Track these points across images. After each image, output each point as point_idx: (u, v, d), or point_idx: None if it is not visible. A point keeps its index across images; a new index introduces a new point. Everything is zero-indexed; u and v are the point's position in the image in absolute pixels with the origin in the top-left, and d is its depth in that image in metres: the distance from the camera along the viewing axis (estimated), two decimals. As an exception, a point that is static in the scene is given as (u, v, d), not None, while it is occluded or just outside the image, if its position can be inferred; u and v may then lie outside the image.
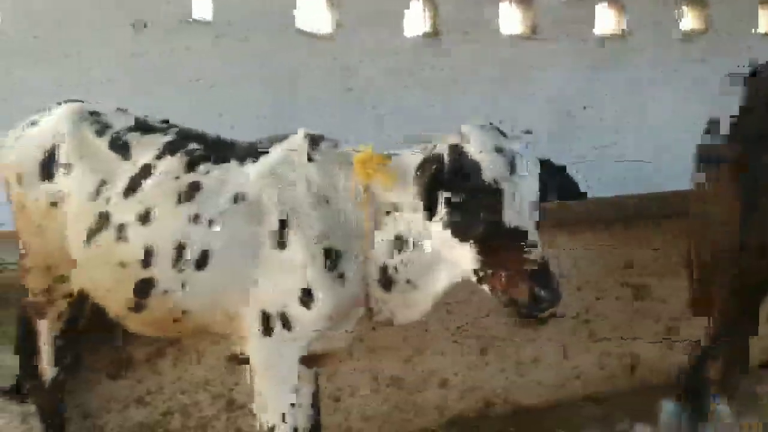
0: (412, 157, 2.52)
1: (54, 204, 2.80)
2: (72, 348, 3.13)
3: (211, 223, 2.60)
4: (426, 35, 5.21)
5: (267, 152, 2.71)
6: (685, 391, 3.53)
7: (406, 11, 5.10)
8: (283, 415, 2.68)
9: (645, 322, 4.48)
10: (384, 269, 2.59)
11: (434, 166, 2.37)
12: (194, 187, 2.64)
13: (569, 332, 4.32)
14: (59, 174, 2.80)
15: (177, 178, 2.66)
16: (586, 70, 5.56)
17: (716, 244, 3.39)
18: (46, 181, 2.82)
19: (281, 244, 2.57)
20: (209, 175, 2.66)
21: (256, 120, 4.80)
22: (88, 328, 3.12)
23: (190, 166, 2.68)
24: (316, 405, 2.82)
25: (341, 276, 2.57)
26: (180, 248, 2.59)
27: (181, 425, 3.66)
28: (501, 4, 5.31)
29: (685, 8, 5.87)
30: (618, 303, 4.43)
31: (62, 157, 2.80)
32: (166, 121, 2.91)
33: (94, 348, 3.33)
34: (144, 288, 2.63)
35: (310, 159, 2.64)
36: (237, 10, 4.66)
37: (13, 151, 2.91)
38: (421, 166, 2.42)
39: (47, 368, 3.11)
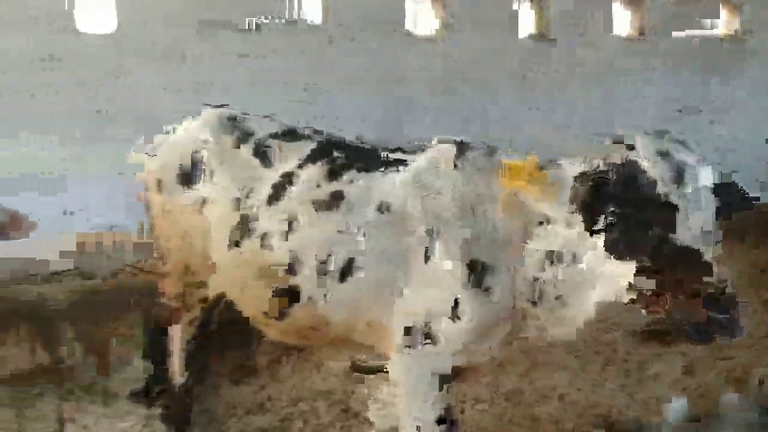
0: (570, 168, 2.40)
1: (197, 210, 2.81)
2: (202, 353, 3.13)
3: (356, 232, 2.55)
4: (534, 37, 5.08)
5: (407, 160, 2.64)
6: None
7: (515, 13, 4.99)
8: (419, 428, 2.60)
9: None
10: (533, 283, 2.49)
11: (597, 178, 2.25)
12: (337, 197, 2.59)
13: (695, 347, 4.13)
14: (201, 181, 2.80)
15: (318, 186, 2.62)
16: (697, 71, 5.33)
17: None
18: (189, 187, 2.83)
19: (426, 257, 2.50)
20: (353, 184, 2.62)
21: (363, 123, 4.73)
22: (219, 334, 3.13)
23: (332, 175, 2.64)
24: (449, 419, 2.74)
25: (488, 290, 2.47)
26: (325, 258, 2.55)
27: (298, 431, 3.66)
28: (614, 5, 5.14)
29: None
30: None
31: (204, 163, 2.80)
32: (313, 128, 2.88)
33: (220, 354, 3.33)
34: (291, 296, 2.60)
35: (455, 167, 2.56)
36: (347, 12, 4.64)
37: (156, 158, 2.93)
38: (582, 178, 2.31)
39: (178, 373, 3.13)
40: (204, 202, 2.79)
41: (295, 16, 4.54)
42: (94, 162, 4.18)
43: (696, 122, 5.27)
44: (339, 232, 2.55)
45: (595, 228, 2.26)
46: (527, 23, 5.07)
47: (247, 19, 4.46)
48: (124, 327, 3.42)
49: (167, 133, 2.99)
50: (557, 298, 2.47)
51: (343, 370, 3.65)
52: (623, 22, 5.23)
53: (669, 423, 3.70)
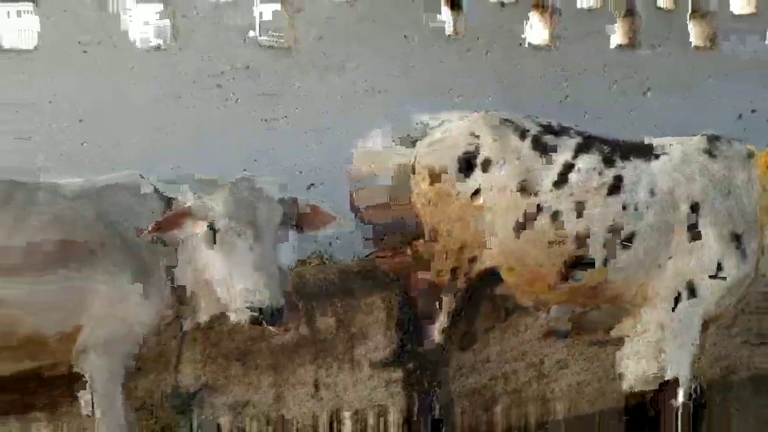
0: None
1: (474, 196, 3.34)
2: (460, 322, 3.67)
3: (635, 211, 3.15)
4: (625, 47, 5.78)
5: (666, 152, 3.27)
6: None
7: (612, 26, 5.69)
8: (688, 365, 3.24)
9: None
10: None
11: None
12: (618, 180, 3.19)
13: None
14: (478, 171, 3.34)
15: (600, 173, 3.21)
16: (759, 79, 6.16)
17: None
18: (465, 177, 3.36)
19: (693, 226, 3.13)
20: (626, 169, 3.22)
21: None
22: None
23: (609, 163, 3.24)
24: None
25: (744, 255, 3.12)
26: (611, 230, 3.15)
27: (502, 390, 4.22)
28: (689, 21, 5.91)
29: None
30: None
31: (482, 156, 3.34)
32: (560, 124, 3.46)
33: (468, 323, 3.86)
34: (578, 264, 3.19)
35: (712, 155, 3.20)
36: (481, 27, 5.23)
37: (432, 153, 3.45)
38: None
39: (437, 336, 3.66)
40: (480, 190, 3.33)
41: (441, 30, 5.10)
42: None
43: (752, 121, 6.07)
44: (623, 209, 3.15)
45: None
46: (620, 36, 5.75)
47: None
48: (366, 305, 3.90)
49: (428, 125, 3.52)
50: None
51: (538, 335, 4.24)
52: (697, 35, 5.97)
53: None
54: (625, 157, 3.27)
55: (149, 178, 3.03)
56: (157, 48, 4.53)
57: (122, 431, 2.94)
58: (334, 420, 3.84)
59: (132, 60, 4.46)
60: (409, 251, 3.67)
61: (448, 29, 5.19)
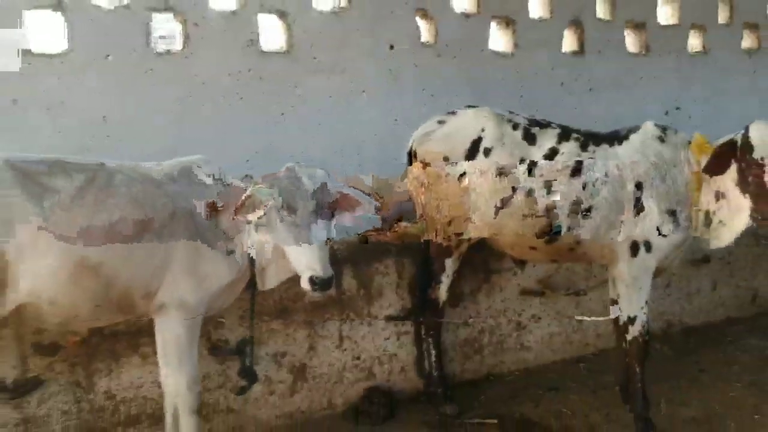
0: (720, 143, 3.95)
1: (483, 175, 4.10)
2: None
3: (593, 188, 3.98)
4: (575, 53, 6.67)
5: (627, 138, 4.12)
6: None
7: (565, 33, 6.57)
8: (641, 308, 4.10)
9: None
10: (707, 213, 4.05)
11: (730, 145, 3.82)
12: (581, 163, 4.01)
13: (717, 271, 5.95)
14: (481, 156, 4.11)
15: (578, 156, 4.03)
16: (681, 81, 7.18)
17: None
18: (470, 161, 4.12)
19: (638, 200, 3.99)
20: (598, 152, 4.05)
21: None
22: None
23: (584, 148, 4.06)
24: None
25: (678, 220, 3.99)
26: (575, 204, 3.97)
27: (487, 341, 5.01)
28: (625, 30, 6.86)
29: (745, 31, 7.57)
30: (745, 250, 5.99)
31: (485, 143, 4.11)
32: (541, 120, 4.27)
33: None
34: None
35: (662, 141, 4.07)
36: (448, 36, 6.00)
37: (439, 140, 4.19)
38: (721, 146, 3.86)
39: (442, 295, 4.41)
40: (480, 171, 4.10)
41: (417, 39, 5.85)
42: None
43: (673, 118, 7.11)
44: (584, 187, 3.98)
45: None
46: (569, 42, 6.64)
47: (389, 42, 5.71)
48: (382, 268, 4.59)
49: (440, 122, 4.28)
50: (720, 221, 4.04)
51: (516, 293, 5.04)
52: (631, 42, 6.94)
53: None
54: (595, 143, 4.11)
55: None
56: (168, 53, 5.08)
57: (194, 381, 3.54)
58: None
59: (149, 63, 4.99)
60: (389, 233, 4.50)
61: (423, 37, 5.94)
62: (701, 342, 5.67)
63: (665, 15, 7.11)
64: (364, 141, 5.68)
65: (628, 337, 4.18)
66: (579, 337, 5.36)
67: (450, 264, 4.33)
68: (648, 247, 4.02)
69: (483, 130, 4.14)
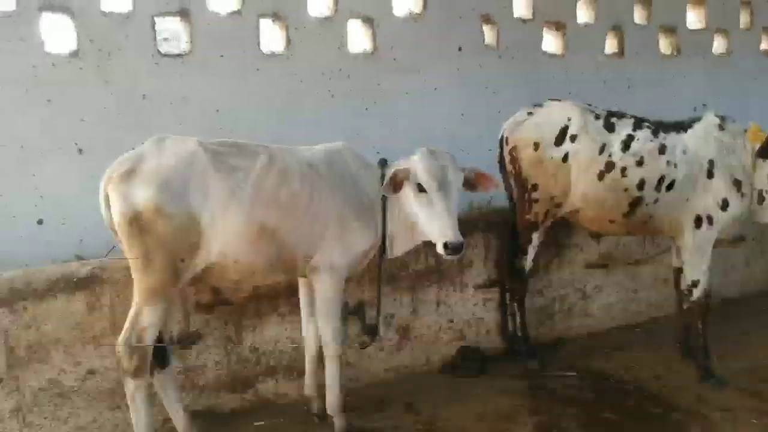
0: None
1: (564, 160, 4.78)
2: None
3: (676, 166, 4.68)
4: (615, 55, 7.37)
5: (691, 126, 4.81)
6: None
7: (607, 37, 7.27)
8: (703, 273, 4.80)
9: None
10: (760, 192, 4.75)
11: None
12: (664, 146, 4.70)
13: (750, 249, 6.66)
14: (567, 141, 4.78)
15: (651, 140, 4.71)
16: (707, 80, 7.93)
17: None
18: (558, 146, 4.79)
19: (710, 175, 4.68)
20: (668, 139, 4.74)
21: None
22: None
23: (655, 134, 4.75)
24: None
25: (742, 195, 4.70)
26: (660, 179, 4.66)
27: (558, 309, 5.68)
28: (659, 34, 7.58)
29: (763, 36, 8.34)
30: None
31: (572, 130, 4.78)
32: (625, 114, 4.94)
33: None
34: (637, 203, 4.69)
35: (722, 129, 4.76)
36: (508, 39, 6.68)
37: (530, 128, 4.86)
38: None
39: (528, 264, 5.07)
40: (569, 155, 4.77)
41: (481, 42, 6.52)
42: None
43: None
44: (667, 164, 4.67)
45: None
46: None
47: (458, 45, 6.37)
48: (472, 242, 5.22)
49: (530, 113, 4.94)
50: (772, 200, 4.73)
51: (582, 267, 5.72)
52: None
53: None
54: (665, 131, 4.79)
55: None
56: (273, 54, 5.70)
57: (339, 330, 4.16)
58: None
59: (257, 63, 5.61)
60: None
61: (486, 40, 6.62)
62: (739, 311, 6.35)
63: (693, 20, 7.84)
64: (435, 133, 6.31)
65: (692, 298, 4.87)
66: (634, 306, 6.05)
67: (536, 237, 4.99)
68: (710, 220, 4.71)
69: (569, 120, 4.80)
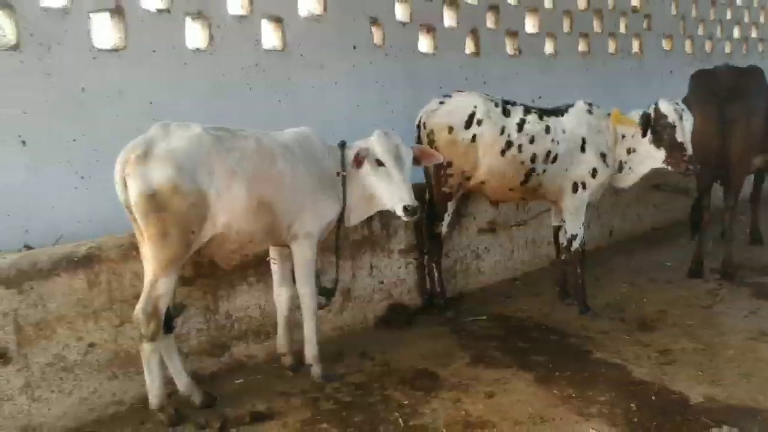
0: (634, 114, 6.03)
1: (472, 140, 5.78)
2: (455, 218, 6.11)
3: (558, 143, 5.87)
4: (473, 54, 8.57)
5: (567, 111, 6.04)
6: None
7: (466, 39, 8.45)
8: (580, 228, 6.07)
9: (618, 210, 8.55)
10: (620, 162, 6.10)
11: (648, 116, 5.93)
12: (548, 126, 5.87)
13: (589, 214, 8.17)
14: (475, 125, 5.78)
15: (539, 123, 5.86)
16: (542, 76, 9.43)
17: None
18: (467, 129, 5.78)
19: (583, 150, 5.94)
20: (550, 121, 5.92)
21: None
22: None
23: (541, 118, 5.90)
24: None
25: (607, 165, 6.02)
26: (547, 154, 5.83)
27: (458, 269, 6.71)
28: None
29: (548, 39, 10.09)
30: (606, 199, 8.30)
31: (477, 116, 5.78)
32: (509, 100, 6.03)
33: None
34: (530, 173, 5.82)
35: (590, 113, 6.04)
36: (392, 40, 7.60)
37: (443, 115, 5.80)
38: (642, 117, 5.96)
39: (443, 230, 6.02)
40: (476, 136, 5.78)
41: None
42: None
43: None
44: (552, 142, 5.86)
45: (646, 135, 5.95)
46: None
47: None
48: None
49: (441, 102, 5.88)
50: (630, 168, 6.11)
51: (474, 232, 6.80)
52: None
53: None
54: (548, 115, 5.99)
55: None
56: (198, 50, 6.14)
57: (313, 291, 4.84)
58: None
59: (185, 58, 6.02)
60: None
61: (375, 40, 7.49)
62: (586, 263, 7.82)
63: (530, 25, 9.31)
64: (337, 122, 7.06)
65: (572, 248, 6.14)
66: (512, 263, 7.27)
67: (451, 206, 5.99)
68: (584, 185, 5.99)
69: (475, 107, 5.82)
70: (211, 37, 6.17)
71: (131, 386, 4.56)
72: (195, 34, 6.22)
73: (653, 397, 4.64)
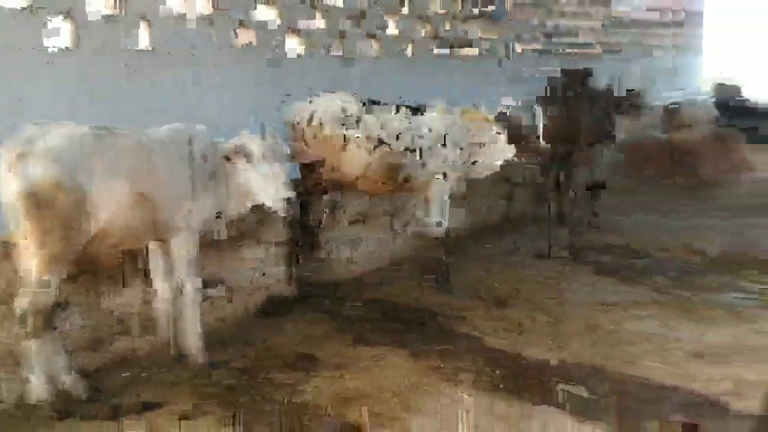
0: (483, 111, 6.65)
1: (343, 138, 6.14)
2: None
3: (422, 138, 6.37)
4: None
5: (425, 110, 6.55)
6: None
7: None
8: (443, 218, 6.61)
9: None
10: (469, 155, 6.71)
11: (500, 113, 6.57)
12: (410, 125, 6.36)
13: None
14: (343, 124, 6.16)
15: (402, 121, 6.33)
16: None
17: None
18: (337, 127, 6.15)
19: (444, 144, 6.49)
20: (413, 119, 6.40)
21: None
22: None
23: (406, 116, 6.37)
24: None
25: (463, 157, 6.60)
26: (412, 149, 6.31)
27: (333, 257, 7.07)
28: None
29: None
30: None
31: (345, 115, 6.17)
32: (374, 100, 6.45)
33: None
34: (399, 168, 6.28)
35: (448, 112, 6.59)
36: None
37: (313, 113, 6.14)
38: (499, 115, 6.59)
39: (316, 221, 6.37)
40: (345, 135, 6.16)
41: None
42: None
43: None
44: (418, 138, 6.35)
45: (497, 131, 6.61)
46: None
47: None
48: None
49: (310, 102, 6.21)
50: (482, 162, 6.75)
51: (345, 224, 7.18)
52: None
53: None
54: (413, 113, 6.48)
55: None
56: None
57: (199, 283, 5.03)
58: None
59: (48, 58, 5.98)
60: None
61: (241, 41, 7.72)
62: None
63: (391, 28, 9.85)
64: (206, 116, 7.05)
65: (437, 235, 6.68)
66: (383, 252, 7.73)
67: (323, 199, 6.34)
68: (445, 177, 6.54)
69: (345, 106, 6.21)
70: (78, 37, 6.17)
71: (12, 385, 4.54)
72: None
73: (512, 364, 5.23)
